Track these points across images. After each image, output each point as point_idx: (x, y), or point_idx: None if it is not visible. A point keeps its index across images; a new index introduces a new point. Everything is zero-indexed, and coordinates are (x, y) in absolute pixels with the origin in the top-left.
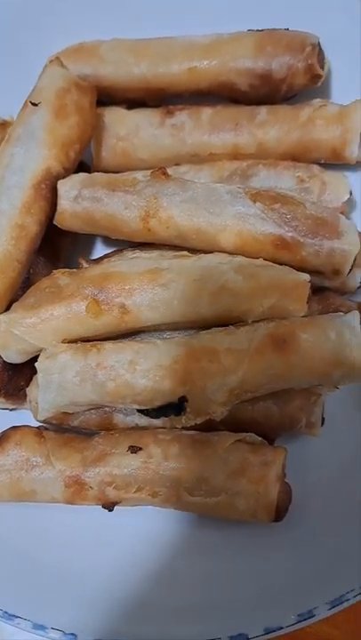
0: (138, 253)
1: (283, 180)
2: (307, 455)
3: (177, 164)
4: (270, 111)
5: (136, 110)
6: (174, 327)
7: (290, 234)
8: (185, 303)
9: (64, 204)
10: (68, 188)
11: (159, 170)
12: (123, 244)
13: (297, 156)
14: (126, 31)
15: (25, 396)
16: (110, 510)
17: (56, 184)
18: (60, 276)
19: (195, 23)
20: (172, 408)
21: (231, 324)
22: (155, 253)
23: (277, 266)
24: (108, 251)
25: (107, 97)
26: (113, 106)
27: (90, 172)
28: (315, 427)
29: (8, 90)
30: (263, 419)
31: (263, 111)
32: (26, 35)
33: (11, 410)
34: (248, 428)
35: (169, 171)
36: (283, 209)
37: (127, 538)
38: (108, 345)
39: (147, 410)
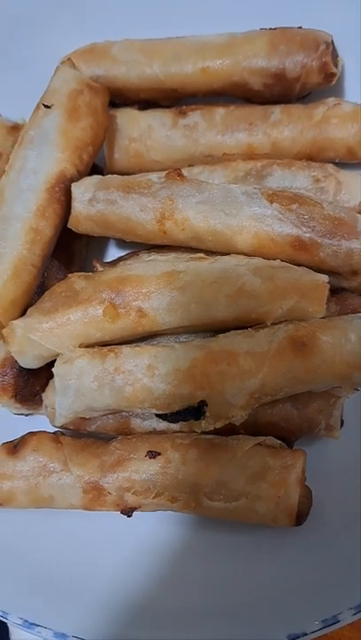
0: (154, 256)
1: (298, 179)
2: (326, 458)
3: (190, 165)
4: (284, 110)
5: (148, 111)
6: (191, 330)
7: (308, 235)
8: (202, 306)
9: (78, 206)
10: (83, 191)
11: (174, 171)
12: (137, 247)
13: (312, 156)
14: (135, 31)
15: (41, 401)
16: (129, 516)
17: (70, 187)
18: (76, 280)
19: (202, 23)
20: (192, 412)
21: (249, 327)
22: (171, 256)
23: (295, 267)
24: (122, 253)
25: (119, 98)
26: (125, 107)
27: (102, 175)
28: (334, 429)
29: (18, 92)
30: (282, 422)
31: (277, 110)
32: (35, 36)
33: (26, 415)
34: (267, 432)
35: (183, 172)
36: (300, 209)
37: (145, 543)
38: (126, 349)
39: (165, 414)
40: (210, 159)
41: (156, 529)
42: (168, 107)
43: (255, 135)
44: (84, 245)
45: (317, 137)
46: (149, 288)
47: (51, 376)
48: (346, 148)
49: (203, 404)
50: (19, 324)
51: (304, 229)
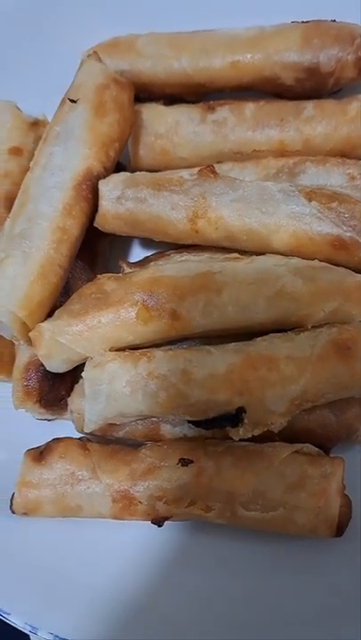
0: (186, 256)
1: (332, 177)
2: None
3: (219, 162)
4: (317, 106)
5: (175, 106)
6: (224, 333)
7: (348, 234)
8: (240, 308)
9: (106, 205)
10: (111, 189)
11: (207, 168)
12: (161, 246)
13: (345, 153)
14: (154, 25)
15: (66, 405)
16: (160, 526)
17: (97, 184)
18: (107, 282)
19: (225, 16)
20: (229, 419)
21: (288, 330)
22: (204, 256)
23: (336, 267)
24: (146, 253)
25: (144, 93)
26: (150, 102)
27: (126, 172)
28: None
29: (38, 88)
30: (319, 428)
31: (310, 106)
32: (54, 31)
33: (49, 420)
34: (303, 438)
35: None
36: (340, 208)
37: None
38: (159, 353)
39: (199, 421)
40: (238, 156)
41: (181, 539)
42: (193, 102)
43: (287, 131)
44: (108, 245)
45: (352, 133)
46: (184, 290)
47: (76, 380)
48: None
49: (241, 410)
50: (47, 326)
51: (345, 228)
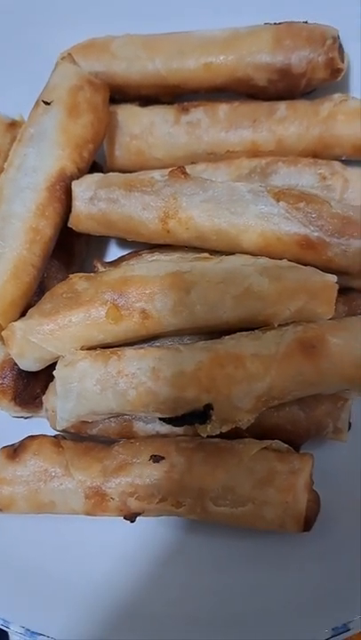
0: (157, 256)
1: (304, 177)
2: (333, 461)
3: (193, 163)
4: (290, 107)
5: (150, 107)
6: (195, 332)
7: (316, 234)
8: (208, 307)
9: (79, 205)
10: (84, 189)
11: (178, 169)
12: (138, 246)
13: (317, 153)
14: (133, 26)
15: (41, 403)
16: (132, 521)
17: (70, 185)
18: (78, 281)
19: (203, 17)
20: (197, 416)
21: (255, 329)
22: (175, 256)
23: (303, 267)
24: (123, 253)
25: (119, 94)
26: (125, 103)
27: (103, 172)
28: (342, 432)
29: (15, 89)
30: (289, 425)
31: (282, 107)
32: (32, 32)
33: (26, 418)
34: (273, 435)
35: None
36: (308, 208)
37: (149, 550)
38: (129, 351)
39: (169, 418)
40: (212, 157)
41: (161, 534)
42: (169, 103)
43: (260, 132)
44: (84, 244)
45: (324, 134)
46: (153, 289)
47: (51, 378)
48: (353, 144)
49: (209, 407)
50: (19, 325)
51: (312, 228)
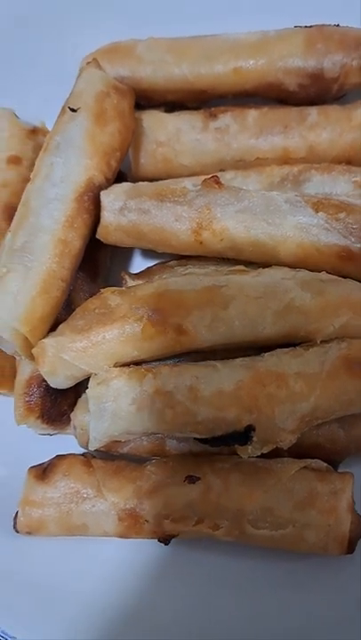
0: (191, 269)
1: (338, 185)
2: None
3: (221, 170)
4: (321, 112)
5: (177, 114)
6: (231, 347)
7: (358, 245)
8: (247, 323)
9: (108, 216)
10: (113, 200)
11: (211, 178)
12: (162, 257)
13: (351, 159)
14: (156, 29)
15: (68, 420)
16: (166, 544)
17: (98, 195)
18: (110, 296)
19: (228, 20)
20: (237, 437)
21: (295, 344)
22: (209, 268)
23: (345, 280)
24: (148, 263)
25: (144, 99)
26: (151, 109)
27: (127, 181)
28: None
29: (36, 95)
30: (328, 443)
31: (314, 112)
32: (52, 36)
33: (51, 435)
34: (311, 453)
35: None
36: (348, 218)
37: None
38: (165, 369)
39: (207, 439)
40: (241, 164)
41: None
42: (195, 108)
43: (291, 138)
44: (109, 255)
45: (357, 139)
46: (189, 304)
47: (78, 395)
48: None
49: (250, 428)
50: (50, 342)
51: (353, 239)
